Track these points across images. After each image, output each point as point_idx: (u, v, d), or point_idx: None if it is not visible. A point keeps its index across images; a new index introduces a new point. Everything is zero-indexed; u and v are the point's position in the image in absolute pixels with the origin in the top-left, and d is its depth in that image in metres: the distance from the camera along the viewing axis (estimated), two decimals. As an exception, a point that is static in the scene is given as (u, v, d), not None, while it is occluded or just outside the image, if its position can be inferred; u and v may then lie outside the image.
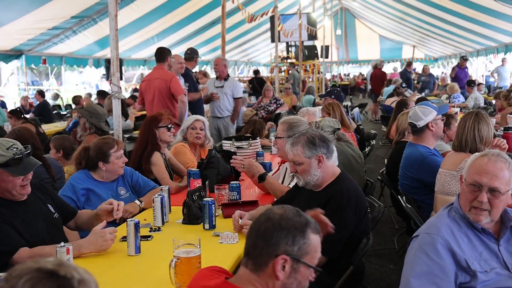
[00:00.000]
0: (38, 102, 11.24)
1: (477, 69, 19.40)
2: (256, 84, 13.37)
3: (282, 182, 3.53)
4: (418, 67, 24.20)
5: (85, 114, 4.81)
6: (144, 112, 6.61)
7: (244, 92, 15.48)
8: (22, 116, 7.32)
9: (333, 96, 6.96)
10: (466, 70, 13.51)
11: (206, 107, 7.57)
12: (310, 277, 1.49)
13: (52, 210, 2.70)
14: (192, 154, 4.33)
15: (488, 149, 2.21)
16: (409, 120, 3.73)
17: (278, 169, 3.83)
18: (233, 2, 7.99)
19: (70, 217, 2.86)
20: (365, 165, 4.38)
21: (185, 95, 5.83)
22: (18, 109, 7.79)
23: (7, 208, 2.46)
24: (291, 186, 3.26)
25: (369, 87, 17.14)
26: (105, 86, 13.83)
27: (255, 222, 1.51)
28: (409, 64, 15.83)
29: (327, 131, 3.98)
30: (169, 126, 3.97)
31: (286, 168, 3.60)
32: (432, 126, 3.63)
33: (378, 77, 15.19)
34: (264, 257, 1.43)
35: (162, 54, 5.93)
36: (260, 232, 1.46)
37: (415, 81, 16.48)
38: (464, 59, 13.74)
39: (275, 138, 3.58)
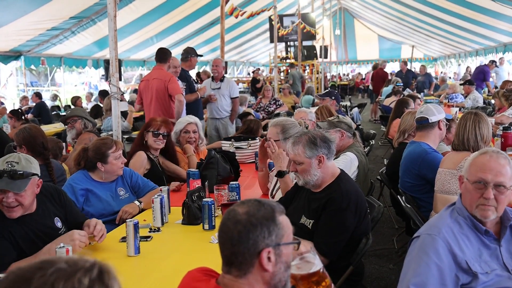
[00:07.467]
0: (34, 103, 11.23)
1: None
2: (251, 85, 13.38)
3: (275, 183, 3.51)
4: (417, 67, 24.18)
5: (82, 114, 5.03)
6: (143, 113, 6.59)
7: (245, 92, 15.51)
8: (24, 117, 7.32)
9: (333, 97, 6.91)
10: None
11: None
12: (292, 250, 1.51)
13: (59, 226, 2.57)
14: (184, 161, 4.31)
15: (486, 148, 2.21)
16: (421, 115, 3.67)
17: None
18: None
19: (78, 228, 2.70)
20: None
21: (183, 94, 5.78)
22: (20, 110, 7.78)
23: (12, 222, 2.38)
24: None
25: (370, 87, 17.08)
26: (104, 87, 13.81)
27: (224, 230, 1.47)
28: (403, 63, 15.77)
29: (348, 125, 3.95)
30: (156, 132, 3.93)
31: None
32: (441, 125, 3.68)
33: (380, 77, 15.15)
34: (247, 260, 1.44)
35: (163, 55, 5.87)
36: (234, 239, 1.43)
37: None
38: (495, 64, 13.59)
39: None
